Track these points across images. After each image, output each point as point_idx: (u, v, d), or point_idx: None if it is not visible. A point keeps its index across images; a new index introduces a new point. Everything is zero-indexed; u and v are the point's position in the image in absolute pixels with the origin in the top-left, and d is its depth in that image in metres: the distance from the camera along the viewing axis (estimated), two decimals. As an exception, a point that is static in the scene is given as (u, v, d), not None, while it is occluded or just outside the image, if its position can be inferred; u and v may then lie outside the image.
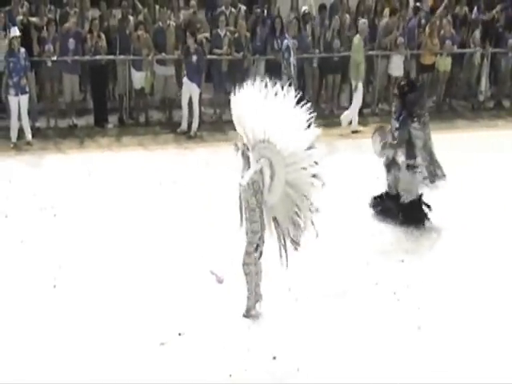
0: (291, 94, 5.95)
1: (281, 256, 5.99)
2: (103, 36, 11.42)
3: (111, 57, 11.55)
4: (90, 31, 11.39)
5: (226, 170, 9.02)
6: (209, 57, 11.73)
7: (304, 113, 5.91)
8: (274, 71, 11.46)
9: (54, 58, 11.19)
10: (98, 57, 11.30)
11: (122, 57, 11.59)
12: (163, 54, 11.71)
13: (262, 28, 12.21)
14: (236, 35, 11.95)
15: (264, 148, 5.81)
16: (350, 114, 11.78)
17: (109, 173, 9.54)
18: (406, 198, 8.06)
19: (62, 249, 7.25)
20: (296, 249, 6.04)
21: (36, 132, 11.11)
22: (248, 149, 5.87)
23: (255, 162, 5.82)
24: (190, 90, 11.37)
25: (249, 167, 5.89)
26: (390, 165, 8.20)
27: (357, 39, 11.84)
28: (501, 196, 9.02)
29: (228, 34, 11.94)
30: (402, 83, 8.25)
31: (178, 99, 11.85)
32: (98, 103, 11.69)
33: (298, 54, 11.58)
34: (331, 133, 11.25)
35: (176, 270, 6.89)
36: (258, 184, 5.79)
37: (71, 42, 11.21)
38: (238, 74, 11.85)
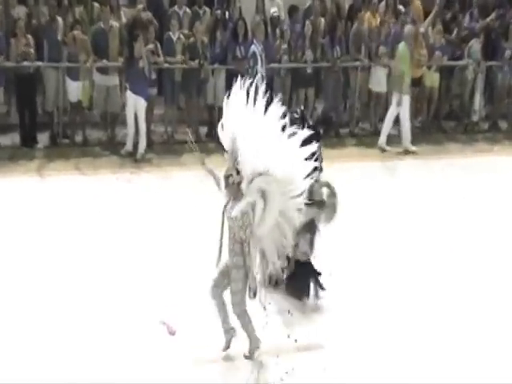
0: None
1: (260, 287, 6.26)
2: (31, 38, 11.18)
3: (41, 63, 11.33)
4: (15, 33, 11.12)
5: (180, 199, 9.47)
6: (157, 65, 11.62)
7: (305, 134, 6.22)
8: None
9: None
10: (25, 63, 11.04)
11: (54, 64, 11.39)
12: (104, 61, 11.52)
13: (222, 33, 12.13)
14: (191, 40, 11.83)
15: (261, 181, 6.04)
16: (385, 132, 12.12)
17: (37, 202, 9.34)
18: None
19: None
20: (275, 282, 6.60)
21: None
22: (237, 175, 6.03)
23: (249, 193, 6.05)
24: (136, 104, 11.17)
25: (236, 197, 6.06)
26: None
27: (402, 46, 11.95)
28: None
29: (182, 38, 11.83)
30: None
31: (122, 115, 11.67)
32: (26, 119, 11.48)
33: (266, 64, 11.53)
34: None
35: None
36: (248, 217, 6.01)
37: None
38: (193, 86, 11.86)
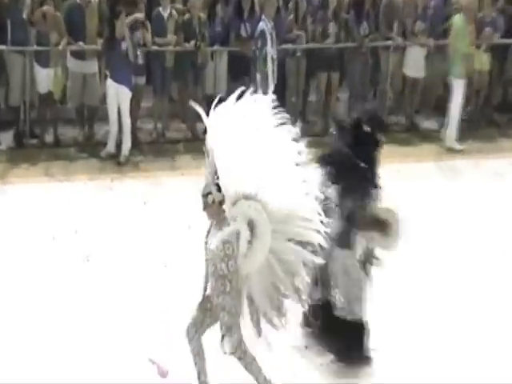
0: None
1: (257, 335, 6.16)
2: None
3: (3, 47, 11.17)
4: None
5: (171, 210, 9.40)
6: (145, 47, 11.42)
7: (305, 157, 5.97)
8: (240, 67, 11.56)
9: None
10: None
11: (18, 47, 11.20)
12: (80, 43, 11.29)
13: (223, 7, 11.95)
14: (186, 17, 11.61)
15: (248, 206, 5.80)
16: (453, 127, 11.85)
17: None
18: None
19: None
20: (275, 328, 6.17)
21: None
22: (218, 192, 5.90)
23: (232, 220, 5.85)
24: (118, 96, 11.02)
25: (218, 221, 5.94)
26: None
27: (458, 19, 11.76)
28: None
29: (174, 14, 11.58)
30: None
31: (102, 108, 11.53)
32: None
33: (278, 44, 11.32)
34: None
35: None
36: (231, 247, 5.81)
37: None
38: (188, 73, 11.65)
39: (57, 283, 7.75)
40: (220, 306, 6.01)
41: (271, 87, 11.01)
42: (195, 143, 11.21)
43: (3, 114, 11.63)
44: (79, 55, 11.41)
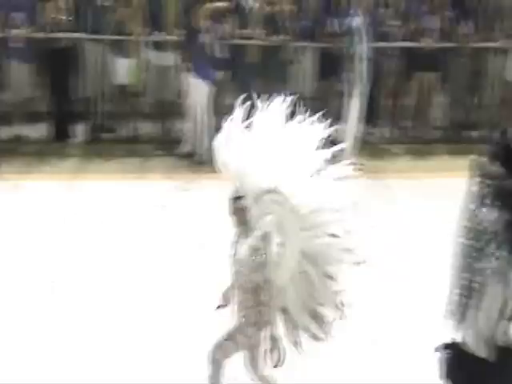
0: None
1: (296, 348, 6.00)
2: (66, 2, 11.11)
3: (79, 35, 11.16)
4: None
5: None
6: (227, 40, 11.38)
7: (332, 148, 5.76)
8: (328, 65, 11.45)
9: None
10: (58, 34, 10.92)
11: (96, 35, 11.24)
12: (159, 34, 11.36)
13: (311, 1, 11.79)
14: (271, 9, 11.49)
15: (271, 202, 5.59)
16: None
17: (67, 214, 9.03)
18: None
19: None
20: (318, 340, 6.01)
21: None
22: (241, 199, 5.64)
23: (257, 222, 5.62)
24: (199, 91, 10.87)
25: (246, 230, 5.65)
26: None
27: None
28: None
29: (261, 6, 11.45)
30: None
31: (179, 104, 11.42)
32: (60, 106, 11.37)
33: (371, 42, 11.04)
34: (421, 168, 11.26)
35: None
36: (261, 254, 5.58)
37: (18, 16, 10.99)
38: (272, 69, 11.47)
39: (134, 280, 7.72)
40: (246, 323, 5.82)
41: (361, 88, 10.98)
42: None
43: (78, 106, 11.66)
44: (157, 46, 11.48)
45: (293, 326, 5.88)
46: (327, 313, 5.83)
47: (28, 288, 7.51)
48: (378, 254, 7.81)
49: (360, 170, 10.80)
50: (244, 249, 5.56)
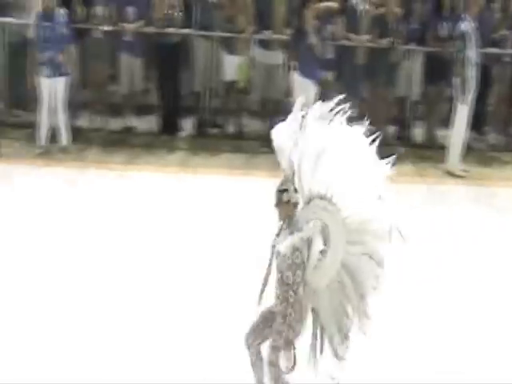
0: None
1: (313, 357, 6.06)
2: (177, 1, 11.35)
3: (189, 31, 11.35)
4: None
5: None
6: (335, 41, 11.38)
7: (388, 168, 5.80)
8: (436, 70, 11.38)
9: (107, 28, 11.31)
10: (171, 30, 11.16)
11: (205, 32, 11.39)
12: (267, 32, 11.38)
13: (421, 3, 11.67)
14: (381, 12, 11.45)
15: (322, 209, 5.67)
16: None
17: (173, 205, 9.20)
18: None
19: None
20: (336, 359, 6.04)
21: (75, 134, 11.12)
22: (295, 193, 5.73)
23: (304, 224, 5.69)
24: (304, 90, 10.38)
25: (291, 227, 5.76)
26: None
27: None
28: None
29: (369, 9, 11.44)
30: None
31: (286, 102, 10.98)
32: (168, 100, 11.52)
33: (481, 47, 10.95)
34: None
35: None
36: (300, 256, 5.68)
37: (131, 10, 11.28)
38: (380, 72, 11.48)
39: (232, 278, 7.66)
40: (281, 314, 5.86)
41: (471, 94, 10.85)
42: (386, 148, 11.45)
43: (186, 100, 11.73)
44: (265, 44, 11.48)
45: (320, 329, 5.97)
46: (352, 327, 5.91)
47: (133, 275, 7.62)
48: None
49: (465, 176, 10.79)
50: (285, 245, 5.63)
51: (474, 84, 10.77)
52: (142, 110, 11.74)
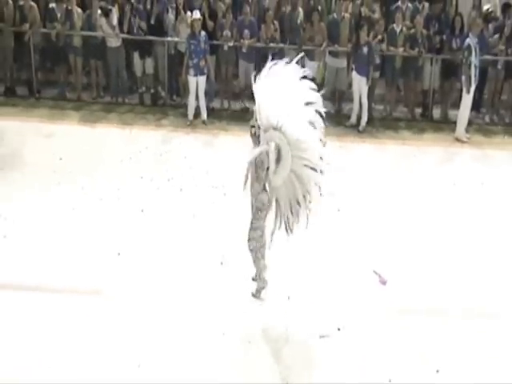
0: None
1: (273, 232, 6.38)
2: (277, 25, 12.00)
3: (283, 45, 11.98)
4: (264, 21, 12.02)
5: (394, 168, 9.87)
6: (381, 52, 11.96)
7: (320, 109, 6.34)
8: (450, 71, 11.90)
9: (231, 44, 12.00)
10: (272, 44, 11.68)
11: (293, 46, 11.83)
12: (336, 46, 11.97)
13: (439, 26, 12.06)
14: (412, 31, 11.95)
15: (275, 135, 6.16)
16: None
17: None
18: None
19: (231, 227, 7.57)
20: (288, 234, 6.41)
21: (211, 112, 11.84)
22: (259, 129, 6.23)
23: (264, 143, 6.21)
24: (360, 84, 11.58)
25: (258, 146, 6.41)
26: None
27: None
28: None
29: (404, 30, 12.02)
30: None
31: (348, 92, 12.13)
32: None
33: (480, 55, 11.42)
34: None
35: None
36: (262, 160, 6.20)
37: (246, 32, 11.87)
38: (411, 72, 12.12)
39: None
40: (254, 204, 6.32)
41: (473, 87, 11.22)
42: (412, 123, 11.88)
43: None
44: (334, 54, 12.10)
45: (279, 212, 6.44)
46: (300, 210, 6.33)
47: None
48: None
49: (466, 142, 11.28)
50: (249, 156, 6.21)
51: (475, 80, 11.17)
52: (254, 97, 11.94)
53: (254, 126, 6.33)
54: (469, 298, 6.90)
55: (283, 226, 6.46)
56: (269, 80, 6.36)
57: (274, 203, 6.47)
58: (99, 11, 11.84)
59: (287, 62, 6.46)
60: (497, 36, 11.99)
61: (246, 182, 6.36)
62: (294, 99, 6.30)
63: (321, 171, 6.31)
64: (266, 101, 6.21)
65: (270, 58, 6.56)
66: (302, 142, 6.22)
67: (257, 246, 6.47)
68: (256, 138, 6.36)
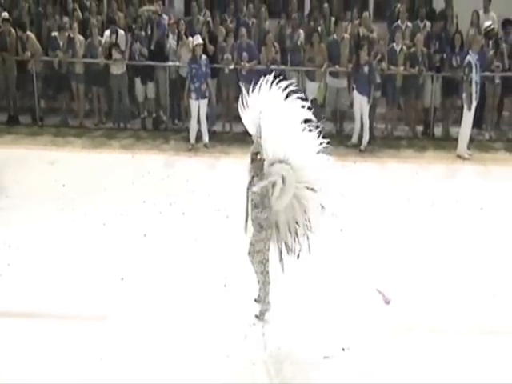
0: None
1: (279, 259, 6.54)
2: (278, 47, 12.14)
3: (285, 67, 12.11)
4: (265, 44, 12.16)
5: (396, 186, 9.87)
6: (381, 71, 12.04)
7: (318, 138, 6.48)
8: (451, 88, 12.00)
9: (231, 67, 12.12)
10: (273, 66, 11.61)
11: (295, 67, 12.13)
12: (336, 66, 12.11)
13: (439, 44, 12.26)
14: (412, 50, 12.11)
15: (281, 167, 6.37)
16: None
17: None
18: None
19: (233, 250, 7.49)
20: (289, 254, 6.56)
21: (212, 135, 11.97)
22: (259, 157, 6.35)
23: (269, 175, 6.36)
24: (361, 103, 11.66)
25: (259, 175, 6.38)
26: None
27: None
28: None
29: (404, 48, 12.17)
30: None
31: (349, 112, 12.27)
32: None
33: (480, 72, 11.50)
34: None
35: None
36: (267, 190, 6.39)
37: (245, 55, 12.03)
38: (412, 90, 12.22)
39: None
40: (255, 231, 6.46)
41: (474, 104, 11.30)
42: (414, 141, 11.95)
43: None
44: (335, 74, 12.23)
45: (279, 236, 6.55)
46: (300, 232, 6.47)
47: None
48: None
49: (468, 159, 11.30)
50: (257, 187, 6.32)
51: (476, 97, 11.27)
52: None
53: (259, 152, 6.37)
54: (471, 315, 6.96)
55: (283, 246, 6.55)
56: (257, 104, 6.51)
57: (273, 227, 6.56)
58: (108, 38, 11.94)
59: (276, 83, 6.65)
60: (492, 52, 12.02)
61: (247, 215, 6.53)
62: (294, 126, 6.40)
63: (320, 190, 6.44)
64: (271, 134, 6.31)
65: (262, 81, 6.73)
66: (307, 169, 6.39)
67: (265, 258, 6.55)
68: (260, 165, 6.39)
